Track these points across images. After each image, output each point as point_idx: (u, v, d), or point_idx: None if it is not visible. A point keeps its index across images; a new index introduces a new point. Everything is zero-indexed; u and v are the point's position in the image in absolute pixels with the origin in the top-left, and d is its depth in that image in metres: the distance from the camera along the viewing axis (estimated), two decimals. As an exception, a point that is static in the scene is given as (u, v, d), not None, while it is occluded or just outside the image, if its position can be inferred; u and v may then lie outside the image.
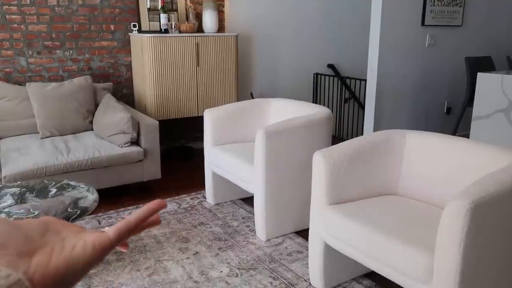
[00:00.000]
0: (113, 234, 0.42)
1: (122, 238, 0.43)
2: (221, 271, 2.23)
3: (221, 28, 4.24)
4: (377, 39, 3.99)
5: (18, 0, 3.39)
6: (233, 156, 2.72)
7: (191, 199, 3.16)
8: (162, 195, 3.20)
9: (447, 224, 1.43)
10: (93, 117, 3.33)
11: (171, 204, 3.06)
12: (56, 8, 3.55)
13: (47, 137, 3.16)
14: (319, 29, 4.91)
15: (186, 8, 4.01)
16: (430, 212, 1.91)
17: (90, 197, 2.11)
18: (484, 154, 1.89)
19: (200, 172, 3.37)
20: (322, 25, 4.92)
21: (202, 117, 3.86)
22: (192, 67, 3.75)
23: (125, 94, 3.98)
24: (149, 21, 3.86)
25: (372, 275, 2.18)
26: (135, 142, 3.10)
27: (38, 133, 3.20)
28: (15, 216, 1.88)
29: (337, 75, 5.02)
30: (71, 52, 3.68)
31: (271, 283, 2.13)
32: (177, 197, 3.18)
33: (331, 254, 2.01)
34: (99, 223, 2.76)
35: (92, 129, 3.31)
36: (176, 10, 3.96)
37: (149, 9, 3.85)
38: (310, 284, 2.13)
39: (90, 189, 2.20)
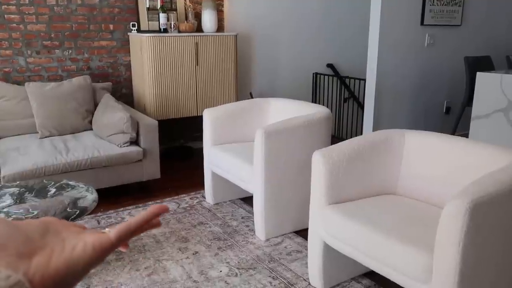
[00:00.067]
0: (114, 235, 0.42)
1: (122, 240, 0.43)
2: (221, 271, 2.23)
3: (220, 27, 4.24)
4: (376, 39, 3.99)
5: (17, 0, 3.39)
6: (232, 156, 2.72)
7: (190, 199, 3.16)
8: (161, 195, 3.20)
9: (446, 224, 1.43)
10: (92, 117, 3.33)
11: (171, 204, 3.05)
12: (55, 7, 3.54)
13: (46, 137, 3.15)
14: (319, 29, 4.91)
15: (185, 8, 4.01)
16: (430, 211, 1.91)
17: (89, 197, 2.11)
18: (483, 154, 1.89)
19: (199, 172, 3.37)
20: (322, 25, 4.92)
21: (201, 117, 3.86)
22: (191, 67, 3.74)
23: (124, 94, 3.98)
24: (148, 20, 3.86)
25: (371, 275, 2.18)
26: (135, 142, 3.10)
27: (37, 133, 3.19)
28: (14, 216, 1.87)
29: (337, 74, 5.02)
30: (70, 51, 3.68)
31: (270, 282, 2.13)
32: (176, 197, 3.18)
33: (330, 253, 2.01)
34: (99, 223, 2.76)
35: (91, 129, 3.31)
36: (175, 10, 3.96)
37: (148, 9, 3.84)
38: (309, 284, 2.13)
39: (89, 189, 2.20)
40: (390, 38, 4.05)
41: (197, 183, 3.38)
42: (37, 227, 0.40)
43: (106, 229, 0.43)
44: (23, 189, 2.21)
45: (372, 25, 4.01)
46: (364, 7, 4.85)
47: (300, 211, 2.61)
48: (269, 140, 2.41)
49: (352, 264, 2.11)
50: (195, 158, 4.03)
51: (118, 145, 3.01)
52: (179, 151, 4.18)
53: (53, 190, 2.18)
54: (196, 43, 3.73)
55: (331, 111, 3.08)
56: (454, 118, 4.41)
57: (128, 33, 3.86)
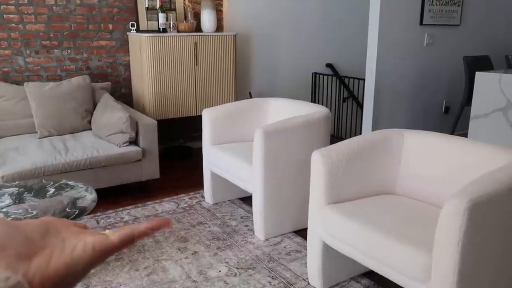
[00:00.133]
0: (117, 239, 0.42)
1: (124, 244, 0.42)
2: (220, 271, 2.23)
3: (219, 27, 4.23)
4: (375, 39, 3.99)
5: (16, 0, 3.39)
6: (231, 156, 2.72)
7: (189, 198, 3.16)
8: (160, 195, 3.20)
9: (445, 223, 1.43)
10: (91, 116, 3.33)
11: (170, 204, 3.05)
12: (54, 7, 3.54)
13: (45, 137, 3.15)
14: (318, 28, 4.91)
15: (184, 8, 4.01)
16: (428, 211, 1.91)
17: (89, 197, 2.11)
18: (482, 153, 1.89)
19: (198, 172, 3.37)
20: (321, 24, 4.92)
21: (200, 117, 3.85)
22: (190, 67, 3.74)
23: (124, 94, 3.98)
24: (147, 20, 3.85)
25: (370, 274, 2.18)
26: (134, 141, 3.10)
27: (36, 132, 3.19)
28: (13, 216, 1.87)
29: (336, 74, 5.02)
30: (69, 51, 3.68)
31: (269, 282, 2.14)
32: (175, 197, 3.18)
33: (329, 253, 2.02)
34: (98, 223, 2.76)
35: (90, 129, 3.31)
36: (175, 10, 3.96)
37: (147, 9, 3.84)
38: (308, 284, 2.13)
39: (89, 188, 2.20)
40: (389, 38, 4.05)
41: (196, 183, 3.38)
42: (37, 227, 0.40)
43: (107, 230, 0.43)
44: (22, 189, 2.21)
45: (371, 25, 4.01)
46: (363, 7, 4.85)
47: (299, 211, 2.61)
48: (268, 140, 2.41)
49: (351, 264, 2.11)
50: (194, 158, 4.03)
51: (117, 145, 3.01)
52: (178, 151, 4.18)
53: (52, 190, 2.18)
54: (195, 43, 3.73)
55: (330, 111, 3.07)
56: (453, 118, 4.42)
57: (127, 33, 3.86)
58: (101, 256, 0.40)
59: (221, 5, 4.25)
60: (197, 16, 4.03)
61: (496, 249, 1.56)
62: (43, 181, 2.31)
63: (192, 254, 2.39)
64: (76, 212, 1.94)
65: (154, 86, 3.62)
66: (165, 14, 3.75)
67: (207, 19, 3.87)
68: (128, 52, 3.92)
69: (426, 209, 1.95)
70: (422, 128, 4.43)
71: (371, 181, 2.10)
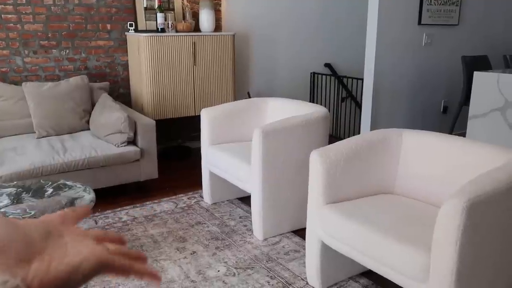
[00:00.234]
0: (117, 262, 0.41)
1: (122, 270, 0.41)
2: (218, 271, 2.23)
3: (218, 27, 4.23)
4: (374, 38, 4.00)
5: (14, 0, 3.38)
6: (230, 156, 2.72)
7: (188, 198, 3.16)
8: (159, 195, 3.20)
9: (444, 223, 1.43)
10: (89, 116, 3.32)
11: (168, 204, 3.05)
12: (52, 7, 3.54)
13: (43, 137, 3.15)
14: (316, 28, 4.91)
15: (182, 7, 4.01)
16: (427, 211, 1.91)
17: (87, 197, 2.10)
18: (481, 153, 1.89)
19: (197, 172, 3.36)
20: (319, 24, 4.93)
21: (199, 117, 3.85)
22: (189, 67, 3.74)
23: (122, 94, 3.97)
24: (145, 20, 3.85)
25: (369, 274, 2.18)
26: (132, 141, 3.10)
27: (35, 132, 3.19)
28: (11, 216, 1.87)
29: (334, 74, 5.02)
30: (67, 51, 3.67)
31: (268, 282, 2.13)
32: (174, 197, 3.18)
33: (328, 253, 2.02)
34: (96, 223, 2.75)
35: (88, 129, 3.30)
36: (173, 9, 3.95)
37: (145, 8, 3.84)
38: (307, 283, 2.13)
39: (87, 189, 2.20)
40: (388, 37, 4.05)
41: (194, 183, 3.38)
42: (37, 227, 0.39)
43: (109, 245, 0.42)
44: (20, 189, 2.20)
45: (370, 24, 4.02)
46: (362, 7, 4.85)
47: (298, 210, 2.61)
48: (266, 139, 2.41)
49: (350, 264, 2.11)
50: (193, 158, 4.03)
51: (115, 145, 3.00)
52: (176, 151, 4.18)
53: (50, 190, 2.17)
54: (194, 42, 3.72)
55: (329, 111, 3.07)
56: (452, 118, 4.42)
57: (126, 33, 3.85)
58: (102, 270, 0.40)
59: (220, 5, 4.25)
60: (195, 16, 4.03)
61: (494, 249, 1.56)
62: (41, 181, 2.31)
63: (191, 254, 2.39)
64: (74, 212, 1.94)
65: (152, 86, 3.62)
66: (163, 14, 3.75)
67: (206, 19, 3.87)
68: (127, 52, 3.92)
69: (424, 208, 1.95)
70: (420, 128, 4.43)
71: (370, 180, 2.10)
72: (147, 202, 3.07)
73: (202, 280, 2.14)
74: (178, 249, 2.43)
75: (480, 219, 1.45)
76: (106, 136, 3.04)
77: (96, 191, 2.78)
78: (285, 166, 2.52)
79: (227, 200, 3.11)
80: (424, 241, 1.58)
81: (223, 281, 2.14)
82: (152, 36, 3.54)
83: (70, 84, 3.32)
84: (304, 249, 2.38)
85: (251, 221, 2.73)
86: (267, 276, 2.19)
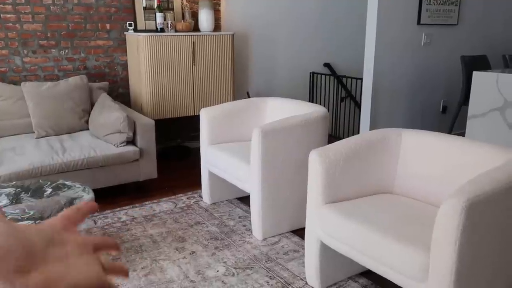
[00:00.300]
0: (110, 284, 0.41)
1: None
2: (218, 271, 2.23)
3: (217, 27, 4.23)
4: (373, 38, 4.00)
5: (13, -1, 3.38)
6: (229, 155, 2.72)
7: (187, 198, 3.16)
8: (158, 195, 3.20)
9: (443, 223, 1.43)
10: (88, 116, 3.32)
11: (168, 204, 3.05)
12: (51, 7, 3.53)
13: (42, 137, 3.14)
14: (316, 28, 4.91)
15: (182, 7, 4.00)
16: (426, 210, 1.91)
17: (86, 197, 2.10)
18: (480, 153, 1.89)
19: (196, 172, 3.36)
20: (319, 24, 4.93)
21: (198, 116, 3.86)
22: (188, 66, 3.74)
23: (121, 94, 3.97)
24: (145, 20, 3.85)
25: (368, 274, 2.18)
26: (131, 141, 3.09)
27: (34, 132, 3.18)
28: (10, 216, 1.87)
29: (333, 74, 5.02)
30: (66, 51, 3.67)
31: (267, 282, 2.13)
32: (173, 197, 3.18)
33: (327, 253, 2.02)
34: (95, 223, 2.75)
35: (87, 129, 3.30)
36: (172, 9, 3.95)
37: (145, 8, 3.84)
38: (306, 283, 2.13)
39: (86, 189, 2.20)
40: (387, 37, 4.05)
41: (194, 183, 3.38)
42: (41, 233, 0.38)
43: (102, 259, 0.42)
44: (19, 189, 2.20)
45: (369, 24, 4.02)
46: (361, 7, 4.86)
47: (297, 210, 2.61)
48: (266, 139, 2.41)
49: (349, 263, 2.12)
50: (192, 158, 4.03)
51: (114, 145, 3.00)
52: (176, 150, 4.18)
53: (49, 190, 2.17)
54: (193, 42, 3.72)
55: (328, 111, 3.08)
56: (451, 117, 4.43)
57: (125, 33, 3.85)
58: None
59: (219, 5, 4.24)
60: (195, 16, 4.03)
61: (493, 248, 1.56)
62: (40, 181, 2.30)
63: (190, 254, 2.39)
64: (74, 212, 1.94)
65: (151, 86, 3.61)
66: (162, 13, 3.74)
67: (205, 18, 3.87)
68: (126, 51, 3.91)
69: (424, 208, 1.95)
70: (419, 128, 4.43)
71: (369, 180, 2.10)
72: (146, 202, 3.06)
73: (201, 280, 2.14)
74: (177, 249, 2.43)
75: (479, 219, 1.45)
76: (105, 136, 3.04)
77: (95, 191, 2.78)
78: (284, 165, 2.52)
79: (226, 200, 3.11)
80: (423, 241, 1.58)
81: (222, 281, 2.14)
82: (151, 36, 3.53)
83: (69, 84, 3.31)
84: (303, 249, 2.38)
85: (250, 221, 2.73)
86: (266, 276, 2.19)
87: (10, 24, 3.41)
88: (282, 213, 2.59)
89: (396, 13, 4.05)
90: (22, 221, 1.83)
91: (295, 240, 2.55)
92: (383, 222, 1.76)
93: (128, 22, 3.81)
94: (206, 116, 2.94)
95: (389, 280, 1.70)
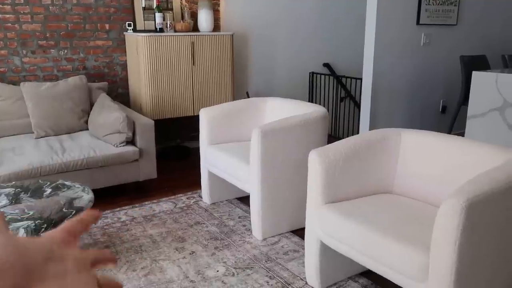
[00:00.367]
0: None
1: None
2: (218, 271, 2.23)
3: (216, 27, 4.23)
4: (372, 38, 4.00)
5: (12, -1, 3.38)
6: (229, 155, 2.72)
7: (187, 198, 3.15)
8: (157, 195, 3.19)
9: (442, 223, 1.44)
10: (88, 116, 3.32)
11: (167, 204, 3.05)
12: (50, 7, 3.53)
13: (42, 137, 3.14)
14: (315, 28, 4.91)
15: (181, 7, 4.00)
16: (426, 210, 1.92)
17: (85, 197, 2.10)
18: (479, 153, 1.89)
19: (196, 172, 3.36)
20: (318, 24, 4.93)
21: (197, 117, 3.86)
22: (187, 66, 3.74)
23: (120, 94, 3.97)
24: (144, 20, 3.85)
25: (368, 274, 2.18)
26: (131, 141, 3.09)
27: (33, 133, 3.18)
28: (9, 216, 1.87)
29: (333, 74, 5.02)
30: (65, 51, 3.66)
31: (267, 282, 2.13)
32: (173, 197, 3.17)
33: (327, 253, 2.02)
34: (95, 223, 2.75)
35: (87, 129, 3.30)
36: (171, 9, 3.95)
37: (144, 8, 3.84)
38: (306, 283, 2.13)
39: (85, 189, 2.19)
40: (386, 37, 4.05)
41: (193, 183, 3.38)
42: (41, 249, 0.37)
43: (98, 277, 0.42)
44: (18, 189, 2.20)
45: (368, 24, 4.02)
46: (360, 7, 4.86)
47: (296, 210, 2.61)
48: (265, 139, 2.41)
49: (349, 263, 2.12)
50: (192, 158, 4.03)
51: (114, 145, 3.00)
52: (175, 150, 4.18)
53: (48, 190, 2.17)
54: (192, 42, 3.72)
55: (328, 111, 3.07)
56: (450, 117, 4.43)
57: (124, 33, 3.85)
58: None
59: (218, 5, 4.24)
60: (194, 16, 4.03)
61: (493, 248, 1.56)
62: (40, 181, 2.30)
63: (190, 254, 2.39)
64: (73, 213, 1.94)
65: (151, 86, 3.61)
66: (162, 13, 3.74)
67: (204, 18, 3.87)
68: (125, 52, 3.91)
69: (423, 208, 1.95)
70: (419, 128, 4.44)
71: (369, 180, 2.10)
72: (146, 202, 3.06)
73: (201, 280, 2.14)
74: (177, 249, 2.43)
75: (478, 219, 1.45)
76: (105, 136, 3.04)
77: (95, 191, 2.78)
78: (284, 165, 2.52)
79: (226, 200, 3.11)
80: (423, 241, 1.59)
81: (222, 281, 2.13)
82: (150, 36, 3.53)
83: (69, 84, 3.31)
84: (303, 249, 2.38)
85: (250, 221, 2.73)
86: (266, 276, 2.19)
87: (9, 24, 3.41)
88: (282, 213, 2.59)
89: (395, 13, 4.05)
90: (22, 221, 1.83)
91: (295, 240, 2.55)
92: (382, 222, 1.76)
93: (127, 22, 3.81)
94: (206, 116, 2.94)
95: (389, 280, 1.71)
